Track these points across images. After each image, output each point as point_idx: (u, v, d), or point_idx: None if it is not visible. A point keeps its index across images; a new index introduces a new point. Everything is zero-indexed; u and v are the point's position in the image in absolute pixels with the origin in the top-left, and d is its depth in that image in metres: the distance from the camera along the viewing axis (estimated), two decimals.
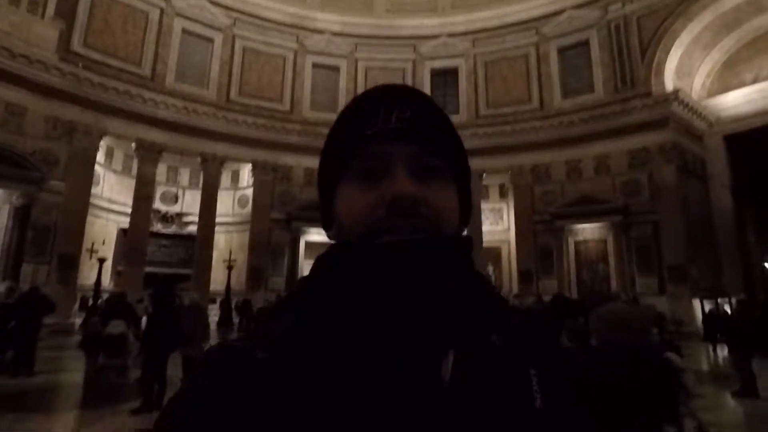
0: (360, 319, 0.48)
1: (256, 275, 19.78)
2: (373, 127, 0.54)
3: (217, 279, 19.73)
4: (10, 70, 14.92)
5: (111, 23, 18.17)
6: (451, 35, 22.86)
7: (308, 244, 20.79)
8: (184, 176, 23.60)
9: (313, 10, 22.61)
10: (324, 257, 0.56)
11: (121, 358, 8.27)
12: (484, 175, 20.89)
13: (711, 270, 17.93)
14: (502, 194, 23.39)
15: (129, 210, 18.77)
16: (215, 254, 19.95)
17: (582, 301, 12.14)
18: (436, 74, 23.12)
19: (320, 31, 22.69)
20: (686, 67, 19.51)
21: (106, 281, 19.01)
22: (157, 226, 21.79)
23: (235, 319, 18.15)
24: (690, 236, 17.45)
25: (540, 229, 20.10)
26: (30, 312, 7.48)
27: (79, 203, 16.56)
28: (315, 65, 22.73)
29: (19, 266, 14.59)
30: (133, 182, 19.20)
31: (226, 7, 21.14)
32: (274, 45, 22.07)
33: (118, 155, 21.34)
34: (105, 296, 16.41)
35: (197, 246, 19.71)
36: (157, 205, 21.94)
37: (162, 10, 19.66)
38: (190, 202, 22.66)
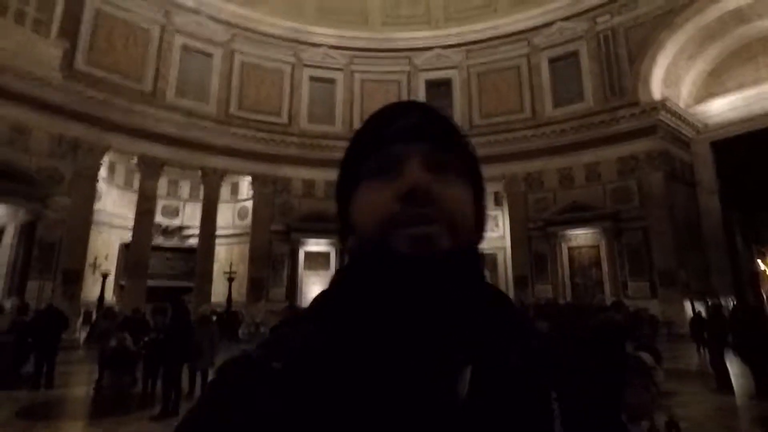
0: (376, 333, 0.48)
1: (257, 286, 20.10)
2: (386, 130, 0.56)
3: (218, 291, 20.04)
4: (15, 89, 15.28)
5: (113, 41, 18.61)
6: (445, 47, 23.45)
7: (308, 255, 21.17)
8: (185, 189, 23.98)
9: (309, 24, 23.16)
10: (342, 270, 0.56)
11: (130, 370, 8.64)
12: None
13: (701, 273, 18.44)
14: (497, 202, 23.86)
15: (131, 224, 19.10)
16: (216, 266, 20.27)
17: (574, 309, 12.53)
18: (430, 86, 23.67)
19: (317, 45, 23.23)
20: (673, 76, 20.14)
21: (109, 295, 19.29)
22: (159, 240, 22.11)
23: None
24: (679, 241, 17.96)
25: (534, 236, 20.57)
26: (48, 329, 7.87)
27: (82, 219, 16.87)
28: (312, 78, 23.25)
29: (24, 283, 14.88)
30: (134, 196, 19.57)
31: (225, 23, 21.65)
32: (272, 59, 22.58)
33: (120, 170, 21.72)
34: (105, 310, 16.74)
35: (198, 258, 20.01)
36: (158, 218, 22.28)
37: (162, 27, 20.14)
38: (191, 215, 23.02)
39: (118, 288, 20.12)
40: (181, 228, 23.44)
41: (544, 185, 20.89)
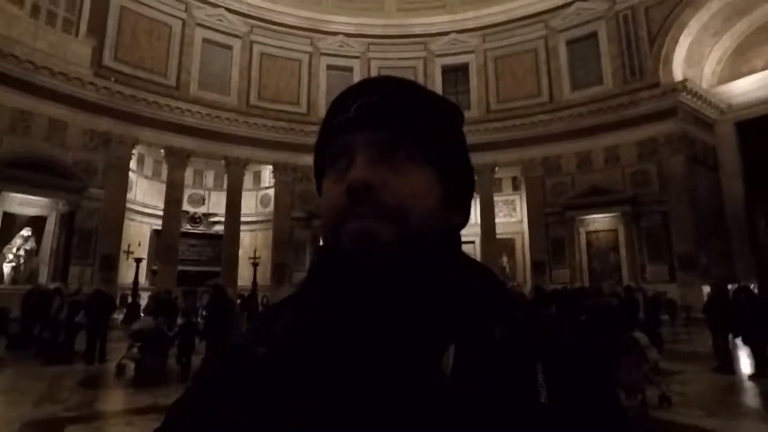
0: (356, 317, 0.49)
1: (280, 271, 20.94)
2: (338, 118, 0.56)
3: (244, 275, 20.95)
4: (51, 88, 16.22)
5: (138, 37, 19.35)
6: (461, 32, 23.36)
7: None
8: (209, 179, 24.89)
9: (326, 13, 23.40)
10: (317, 253, 0.57)
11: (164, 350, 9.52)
12: (497, 168, 21.54)
13: (723, 258, 18.24)
14: (515, 186, 23.94)
15: (160, 212, 20.15)
16: (241, 252, 21.15)
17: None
18: (447, 71, 23.69)
19: (334, 33, 23.49)
20: (696, 56, 19.63)
21: (143, 280, 20.44)
22: (186, 227, 23.12)
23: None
24: (699, 225, 17.78)
25: (552, 221, 20.64)
26: (100, 310, 8.79)
27: (116, 208, 17.92)
28: (329, 67, 23.57)
29: (67, 268, 16.00)
30: (162, 186, 20.54)
31: (244, 15, 22.12)
32: (289, 49, 22.99)
33: (148, 161, 22.72)
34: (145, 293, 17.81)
35: (224, 244, 20.91)
36: (185, 206, 23.26)
37: (183, 22, 20.76)
38: (216, 203, 23.93)
39: (151, 273, 21.25)
40: (207, 215, 24.41)
41: (562, 169, 20.85)
